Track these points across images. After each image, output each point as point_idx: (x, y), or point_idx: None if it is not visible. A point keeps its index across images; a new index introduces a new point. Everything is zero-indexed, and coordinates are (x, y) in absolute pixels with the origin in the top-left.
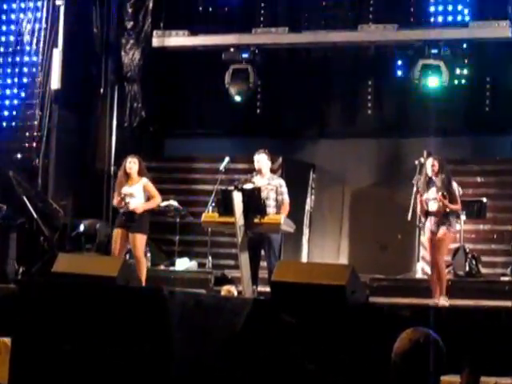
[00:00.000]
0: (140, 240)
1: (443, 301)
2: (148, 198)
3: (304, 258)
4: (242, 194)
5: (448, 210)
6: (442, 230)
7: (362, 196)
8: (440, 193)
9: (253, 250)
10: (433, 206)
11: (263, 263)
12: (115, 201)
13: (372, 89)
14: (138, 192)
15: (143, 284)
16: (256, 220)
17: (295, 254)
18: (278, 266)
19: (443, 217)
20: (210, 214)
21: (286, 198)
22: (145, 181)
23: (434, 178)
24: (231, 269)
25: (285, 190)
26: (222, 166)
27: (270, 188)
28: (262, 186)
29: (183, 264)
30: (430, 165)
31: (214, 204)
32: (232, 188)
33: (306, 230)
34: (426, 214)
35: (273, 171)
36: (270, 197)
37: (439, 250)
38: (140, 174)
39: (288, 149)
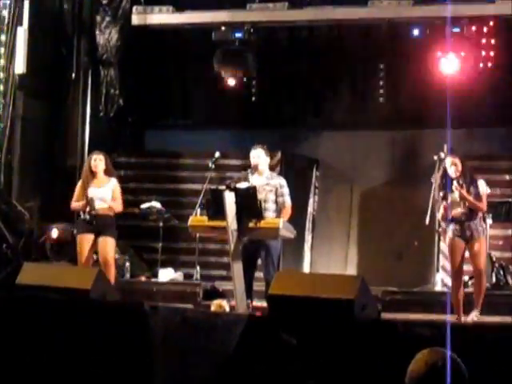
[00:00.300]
0: (112, 244)
1: (473, 316)
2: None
3: (306, 268)
4: (234, 195)
5: (470, 205)
6: (476, 234)
7: (373, 196)
8: (455, 182)
9: (247, 258)
10: (457, 210)
11: (259, 274)
12: (78, 204)
13: (384, 73)
14: (107, 195)
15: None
16: (251, 224)
17: (296, 264)
18: (277, 277)
19: (470, 219)
20: (197, 218)
21: (288, 201)
22: (115, 182)
23: (455, 179)
24: (223, 280)
25: (286, 190)
26: (211, 163)
27: (268, 189)
28: (258, 186)
29: (167, 275)
30: (451, 164)
31: (202, 206)
32: (223, 187)
33: (308, 236)
34: (451, 219)
35: (271, 168)
36: (268, 199)
37: (481, 257)
38: (107, 173)
39: (288, 142)
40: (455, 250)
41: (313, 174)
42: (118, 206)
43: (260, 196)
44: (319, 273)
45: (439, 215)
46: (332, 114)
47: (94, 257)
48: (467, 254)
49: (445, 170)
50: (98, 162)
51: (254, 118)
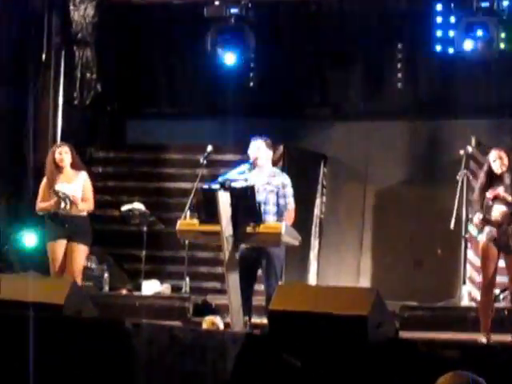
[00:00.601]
0: (83, 252)
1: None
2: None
3: (312, 280)
4: (230, 195)
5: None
6: None
7: (391, 197)
8: (502, 187)
9: (245, 268)
10: (497, 212)
11: (259, 286)
12: (46, 204)
13: (403, 54)
14: (77, 191)
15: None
16: (249, 229)
17: (301, 275)
18: (279, 290)
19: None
20: (187, 222)
21: (292, 203)
22: (85, 176)
23: (502, 174)
24: (216, 294)
25: (290, 191)
26: (203, 158)
27: (269, 189)
28: (258, 185)
29: (152, 288)
30: (497, 157)
31: (192, 208)
32: (217, 186)
33: (315, 243)
34: (487, 221)
35: (273, 164)
36: (268, 200)
37: None
38: (75, 166)
39: (291, 134)
40: (489, 258)
41: (320, 171)
42: (90, 206)
43: (259, 197)
44: (327, 285)
45: (476, 219)
46: (343, 101)
47: None
48: (502, 263)
49: (489, 166)
50: (64, 154)
51: (253, 106)
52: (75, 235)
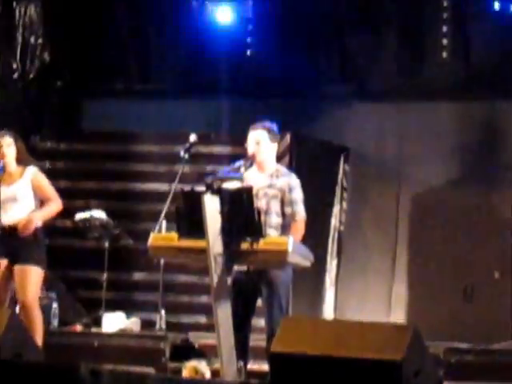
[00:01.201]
0: (34, 277)
1: None
2: (41, 202)
3: (328, 313)
4: (220, 200)
5: None
6: None
7: (432, 204)
8: None
9: (240, 298)
10: None
11: (258, 321)
12: None
13: (449, 15)
14: (24, 193)
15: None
16: (245, 246)
17: (313, 306)
18: (284, 326)
19: None
20: (162, 235)
21: (301, 211)
22: (33, 171)
23: None
24: (200, 331)
25: (298, 196)
26: (184, 150)
27: (271, 193)
28: (257, 187)
29: (116, 322)
30: None
31: (170, 217)
32: (203, 189)
33: (332, 263)
34: None
35: (277, 159)
36: (271, 208)
37: None
38: (21, 161)
39: (301, 119)
40: None
41: (339, 168)
42: (55, 204)
43: (259, 204)
44: (348, 320)
45: None
46: (369, 77)
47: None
48: None
49: None
50: (6, 148)
51: (251, 83)
52: (19, 255)
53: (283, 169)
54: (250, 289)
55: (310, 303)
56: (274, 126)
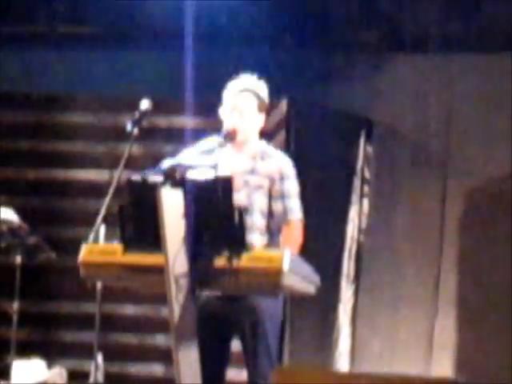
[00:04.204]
0: None
1: None
2: None
3: (342, 362)
4: (184, 195)
5: None
6: None
7: (491, 203)
8: None
9: (211, 337)
10: None
11: (237, 371)
12: None
13: None
14: None
15: None
16: (220, 262)
17: (320, 350)
18: (275, 379)
19: None
20: (100, 247)
21: (296, 208)
22: None
23: None
24: None
25: (293, 187)
26: (132, 123)
27: (254, 182)
28: (234, 173)
29: (31, 373)
30: None
31: (110, 220)
32: (159, 178)
33: (348, 289)
34: None
35: (265, 134)
36: (253, 203)
37: None
38: None
39: (304, 78)
40: None
41: (359, 150)
42: None
43: (238, 198)
44: (369, 373)
45: None
46: (400, 23)
47: None
48: None
49: None
50: None
51: (230, 25)
52: None
53: (271, 149)
54: (226, 324)
55: (315, 348)
56: (264, 87)
